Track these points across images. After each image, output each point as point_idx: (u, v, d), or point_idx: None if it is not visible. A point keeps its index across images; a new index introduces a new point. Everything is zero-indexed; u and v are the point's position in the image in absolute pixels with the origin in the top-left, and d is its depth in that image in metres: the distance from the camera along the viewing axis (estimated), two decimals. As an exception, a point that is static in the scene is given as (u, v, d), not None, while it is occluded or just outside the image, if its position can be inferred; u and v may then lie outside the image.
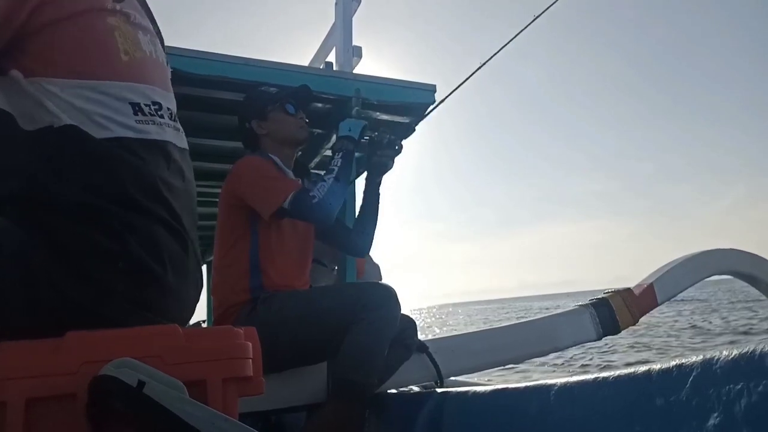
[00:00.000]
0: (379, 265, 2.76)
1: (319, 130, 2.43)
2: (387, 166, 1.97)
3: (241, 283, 1.75)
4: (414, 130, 2.42)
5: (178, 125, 1.01)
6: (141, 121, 0.89)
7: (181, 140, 1.00)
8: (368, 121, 1.92)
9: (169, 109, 0.97)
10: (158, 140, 0.92)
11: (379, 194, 2.03)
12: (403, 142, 2.02)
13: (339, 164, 1.78)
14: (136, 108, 0.89)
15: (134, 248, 0.81)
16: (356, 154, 2.31)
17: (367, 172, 2.02)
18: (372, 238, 2.02)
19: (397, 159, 1.97)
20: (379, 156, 1.95)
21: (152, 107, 0.92)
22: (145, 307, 0.83)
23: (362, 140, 1.88)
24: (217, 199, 1.90)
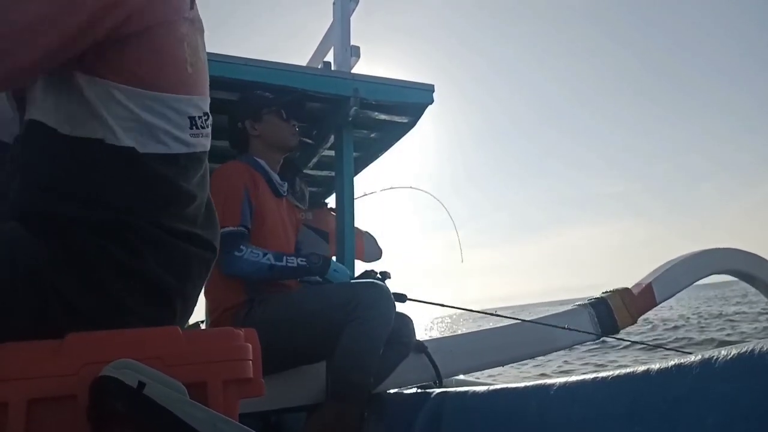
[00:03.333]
0: (374, 236, 2.83)
1: (317, 131, 2.43)
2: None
3: (235, 283, 1.74)
4: (410, 129, 2.41)
5: None
6: (194, 134, 0.90)
7: None
8: (367, 121, 1.92)
9: (211, 117, 0.98)
10: (203, 152, 0.94)
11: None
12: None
13: (294, 265, 1.71)
14: (192, 122, 0.90)
15: (152, 266, 0.81)
16: (354, 154, 2.31)
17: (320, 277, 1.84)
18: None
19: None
20: None
21: (204, 119, 0.93)
22: (154, 323, 0.82)
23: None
24: None
